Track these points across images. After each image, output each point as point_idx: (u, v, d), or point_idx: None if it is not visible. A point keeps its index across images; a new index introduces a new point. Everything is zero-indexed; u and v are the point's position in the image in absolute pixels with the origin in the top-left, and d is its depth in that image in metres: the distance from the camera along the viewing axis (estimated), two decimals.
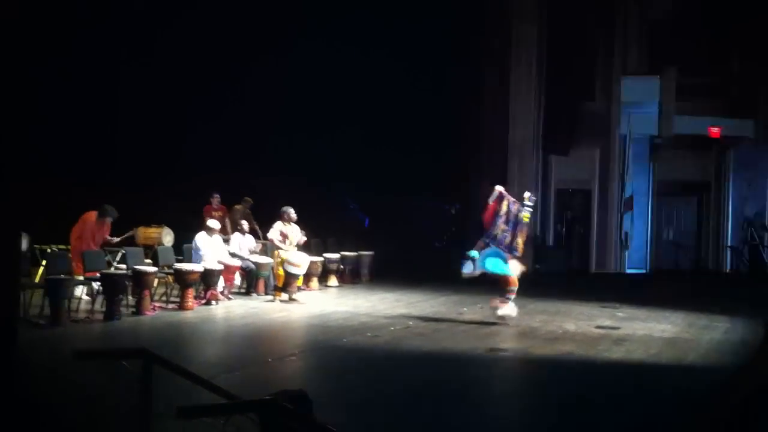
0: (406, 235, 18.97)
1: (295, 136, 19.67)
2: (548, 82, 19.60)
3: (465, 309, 13.63)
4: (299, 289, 14.25)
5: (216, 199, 16.56)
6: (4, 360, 5.36)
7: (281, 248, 13.79)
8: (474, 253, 11.88)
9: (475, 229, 12.31)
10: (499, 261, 11.88)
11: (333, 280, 16.39)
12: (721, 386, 8.32)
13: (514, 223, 11.92)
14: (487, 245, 11.89)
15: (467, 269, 11.91)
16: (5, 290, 5.53)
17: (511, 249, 11.91)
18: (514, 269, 11.99)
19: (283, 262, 13.71)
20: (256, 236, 15.74)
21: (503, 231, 11.84)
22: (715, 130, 18.85)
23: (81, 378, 6.86)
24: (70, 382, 7.22)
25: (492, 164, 18.68)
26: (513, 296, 12.03)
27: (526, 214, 11.97)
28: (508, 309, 11.98)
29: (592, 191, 20.00)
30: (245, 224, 15.11)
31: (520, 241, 11.95)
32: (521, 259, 12.22)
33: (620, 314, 13.62)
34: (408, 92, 19.36)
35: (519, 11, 19.66)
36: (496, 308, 12.05)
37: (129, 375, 4.74)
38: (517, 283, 12.04)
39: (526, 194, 12.09)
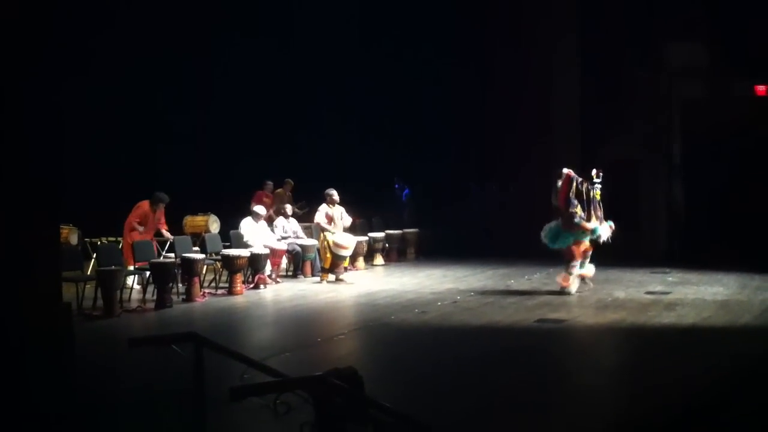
0: (451, 213, 18.90)
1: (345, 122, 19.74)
2: (591, 51, 19.28)
3: (512, 281, 13.59)
4: (345, 269, 14.32)
5: (269, 186, 16.69)
6: (58, 351, 5.48)
7: (328, 231, 13.84)
8: (597, 227, 11.84)
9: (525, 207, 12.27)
10: (566, 236, 11.90)
11: (379, 259, 16.44)
12: None
13: (587, 201, 11.90)
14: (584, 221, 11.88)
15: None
16: (47, 282, 5.65)
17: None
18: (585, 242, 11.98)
19: (330, 245, 13.77)
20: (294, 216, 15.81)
21: (578, 211, 11.80)
22: (761, 88, 18.37)
23: (135, 364, 7.00)
24: (124, 369, 7.39)
25: (537, 142, 18.50)
26: (575, 270, 12.01)
27: (597, 192, 11.96)
28: (571, 283, 11.99)
29: (639, 161, 19.65)
30: (289, 208, 15.20)
31: (594, 219, 11.92)
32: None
33: (671, 279, 13.49)
34: (447, 73, 19.31)
35: None
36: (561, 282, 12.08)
37: (181, 359, 4.82)
38: (579, 256, 11.98)
39: (593, 171, 12.03)
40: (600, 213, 12.01)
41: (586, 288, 12.15)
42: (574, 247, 11.93)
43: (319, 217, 13.98)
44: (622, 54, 18.97)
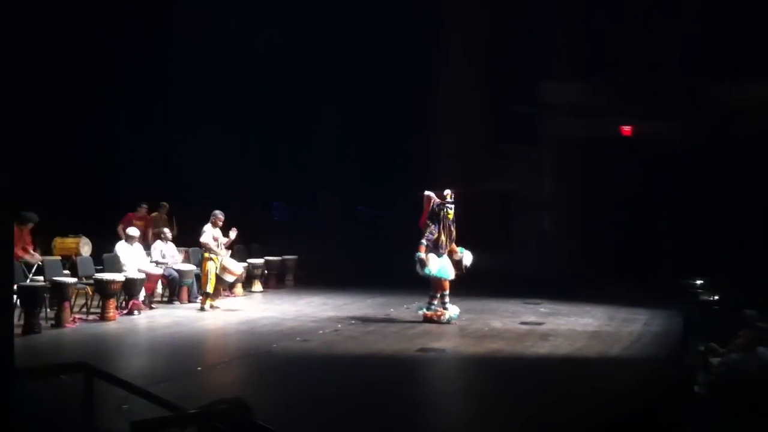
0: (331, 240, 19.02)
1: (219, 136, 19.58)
2: (480, 87, 19.94)
3: (392, 310, 13.69)
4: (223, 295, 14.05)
5: (143, 210, 16.03)
6: None
7: (217, 253, 13.40)
8: (420, 254, 12.06)
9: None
10: (444, 266, 12.15)
11: (257, 286, 16.19)
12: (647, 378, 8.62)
13: (439, 221, 12.16)
14: (427, 247, 12.08)
15: (426, 271, 12.09)
16: None
17: (438, 246, 12.13)
18: (449, 271, 12.21)
19: (219, 268, 13.33)
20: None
21: (431, 230, 12.08)
22: (626, 129, 19.32)
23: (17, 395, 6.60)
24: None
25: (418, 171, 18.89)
26: (436, 301, 12.26)
27: (449, 212, 12.22)
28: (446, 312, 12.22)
29: (514, 194, 20.33)
30: (167, 232, 14.77)
31: (443, 238, 12.16)
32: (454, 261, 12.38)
33: (543, 310, 13.91)
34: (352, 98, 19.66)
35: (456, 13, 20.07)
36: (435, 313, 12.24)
37: (66, 389, 4.61)
38: (448, 287, 12.23)
39: (446, 192, 12.33)
40: (452, 233, 12.30)
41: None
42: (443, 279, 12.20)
43: (207, 238, 13.39)
44: (502, 90, 19.72)
